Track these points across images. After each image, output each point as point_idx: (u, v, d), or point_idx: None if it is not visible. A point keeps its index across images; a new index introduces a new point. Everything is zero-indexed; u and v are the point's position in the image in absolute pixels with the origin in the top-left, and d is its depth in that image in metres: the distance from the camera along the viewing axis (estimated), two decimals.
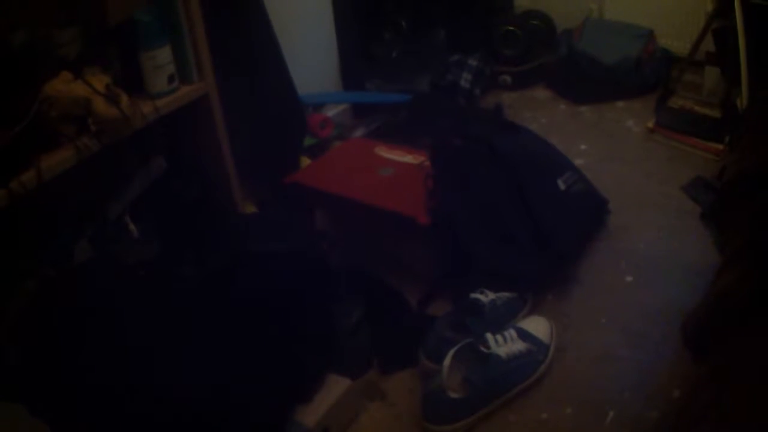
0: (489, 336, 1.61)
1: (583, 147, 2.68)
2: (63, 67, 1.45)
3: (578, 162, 2.35)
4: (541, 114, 3.01)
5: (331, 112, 2.77)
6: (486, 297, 1.77)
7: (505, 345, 1.62)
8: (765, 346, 1.03)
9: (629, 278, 1.96)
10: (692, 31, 2.87)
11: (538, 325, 1.73)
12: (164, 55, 1.63)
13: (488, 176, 1.93)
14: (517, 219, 1.91)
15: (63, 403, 1.27)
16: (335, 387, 1.54)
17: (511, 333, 1.66)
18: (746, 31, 2.31)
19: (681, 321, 1.30)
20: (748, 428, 0.93)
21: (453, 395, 1.53)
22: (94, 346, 1.30)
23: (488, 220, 1.90)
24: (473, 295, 1.77)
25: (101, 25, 1.63)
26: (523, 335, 1.68)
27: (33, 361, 1.30)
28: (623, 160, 2.58)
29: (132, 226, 1.69)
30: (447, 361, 1.53)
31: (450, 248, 1.89)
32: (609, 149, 2.66)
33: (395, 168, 2.12)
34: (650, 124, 2.74)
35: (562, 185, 2.04)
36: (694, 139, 2.59)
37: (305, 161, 2.35)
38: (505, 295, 1.81)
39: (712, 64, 2.80)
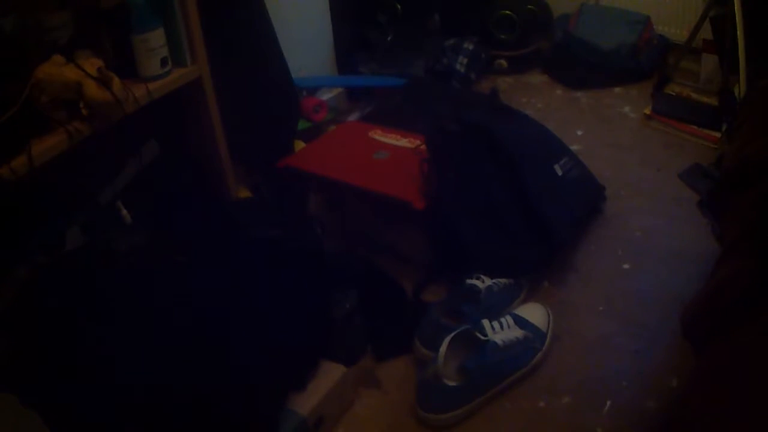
0: (485, 323, 1.60)
1: (579, 133, 2.67)
2: (54, 51, 1.42)
3: (574, 148, 2.34)
4: (536, 99, 3.00)
5: (325, 96, 2.75)
6: (483, 283, 1.75)
7: (501, 332, 1.61)
8: (765, 340, 1.02)
9: (626, 266, 1.96)
10: (689, 18, 2.86)
11: (534, 312, 1.73)
12: (157, 38, 1.60)
13: (485, 162, 1.92)
14: (513, 205, 1.89)
15: (54, 392, 1.26)
16: (329, 374, 1.53)
17: (507, 320, 1.65)
18: (744, 19, 2.30)
19: (679, 310, 1.30)
20: (749, 425, 0.93)
21: (449, 383, 1.52)
22: (86, 335, 1.29)
23: (484, 206, 1.89)
24: (469, 281, 1.76)
25: (93, 8, 1.60)
26: (520, 322, 1.67)
27: (24, 350, 1.28)
28: (620, 146, 2.57)
29: (124, 212, 1.67)
30: (443, 348, 1.51)
31: (445, 234, 1.88)
32: (605, 135, 2.65)
33: (390, 152, 2.10)
34: (647, 111, 2.73)
35: (559, 170, 2.03)
36: (691, 126, 2.59)
37: (299, 145, 2.33)
38: (502, 281, 1.80)
39: (709, 52, 2.79)
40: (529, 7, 3.28)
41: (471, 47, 3.03)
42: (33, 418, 1.24)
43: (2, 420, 1.26)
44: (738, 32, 2.32)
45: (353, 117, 2.72)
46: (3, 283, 1.37)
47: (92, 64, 1.41)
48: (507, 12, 3.18)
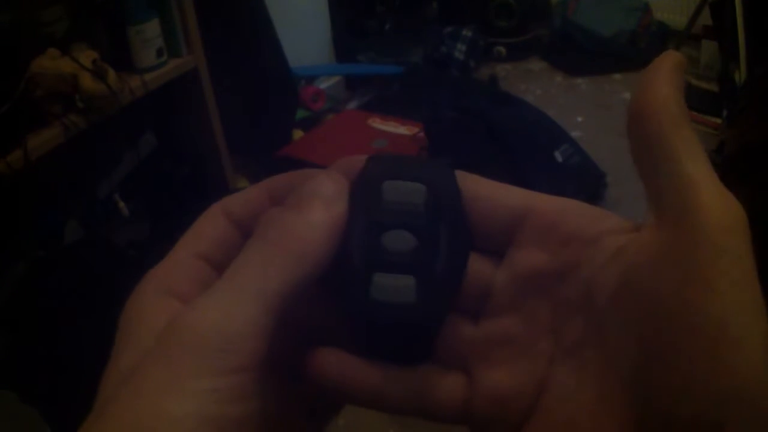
0: None
1: (579, 119, 2.65)
2: (50, 45, 1.41)
3: (575, 134, 2.32)
4: (536, 86, 2.98)
5: (323, 84, 2.73)
6: None
7: None
8: None
9: None
10: (689, 4, 2.82)
11: None
12: (152, 28, 1.59)
13: (483, 149, 1.91)
14: None
15: (55, 388, 1.25)
16: None
17: None
18: (744, 4, 2.28)
19: None
20: None
21: None
22: (86, 329, 1.28)
23: None
24: None
25: (88, 0, 1.59)
26: None
27: (23, 346, 1.28)
28: (620, 132, 2.49)
29: (122, 205, 1.66)
30: None
31: None
32: (606, 122, 2.63)
33: (389, 140, 2.10)
34: None
35: (559, 157, 2.01)
36: (692, 112, 2.57)
37: (298, 134, 2.32)
38: None
39: (709, 38, 2.76)
40: None
41: (469, 35, 3.01)
42: (33, 415, 1.24)
43: (2, 417, 1.26)
44: (737, 18, 2.29)
45: (351, 105, 2.71)
46: (2, 278, 1.37)
47: (87, 56, 1.40)
48: None
